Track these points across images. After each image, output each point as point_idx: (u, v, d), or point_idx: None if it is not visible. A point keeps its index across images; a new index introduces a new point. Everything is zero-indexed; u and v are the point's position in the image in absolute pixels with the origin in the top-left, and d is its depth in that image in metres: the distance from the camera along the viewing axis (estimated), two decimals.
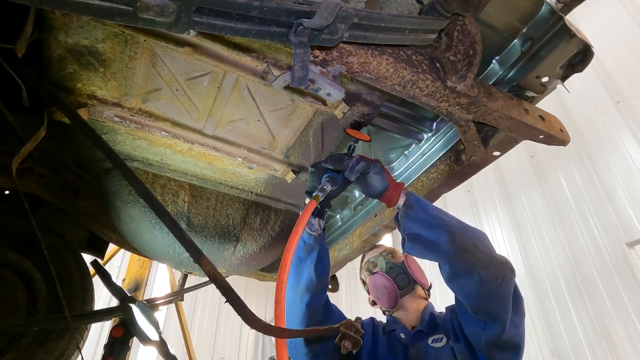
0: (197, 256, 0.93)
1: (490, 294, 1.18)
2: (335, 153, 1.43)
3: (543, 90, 1.28)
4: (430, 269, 2.99)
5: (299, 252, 1.36)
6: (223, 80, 1.38)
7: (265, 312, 9.54)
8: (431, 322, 1.48)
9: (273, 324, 0.90)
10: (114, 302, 2.49)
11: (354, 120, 1.48)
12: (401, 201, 1.26)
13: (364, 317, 1.62)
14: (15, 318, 1.82)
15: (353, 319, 1.60)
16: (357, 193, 2.07)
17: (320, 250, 1.36)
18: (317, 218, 1.38)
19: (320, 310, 1.36)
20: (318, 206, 1.35)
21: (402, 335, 1.47)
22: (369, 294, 1.75)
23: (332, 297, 1.67)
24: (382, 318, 1.72)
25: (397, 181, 1.31)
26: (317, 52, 0.88)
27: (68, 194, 1.90)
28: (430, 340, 1.40)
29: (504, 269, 1.20)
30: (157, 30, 1.16)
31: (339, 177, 1.31)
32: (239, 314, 0.87)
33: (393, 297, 1.61)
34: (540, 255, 5.07)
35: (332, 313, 1.43)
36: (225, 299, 0.90)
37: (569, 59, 1.18)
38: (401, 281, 1.64)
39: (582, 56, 1.18)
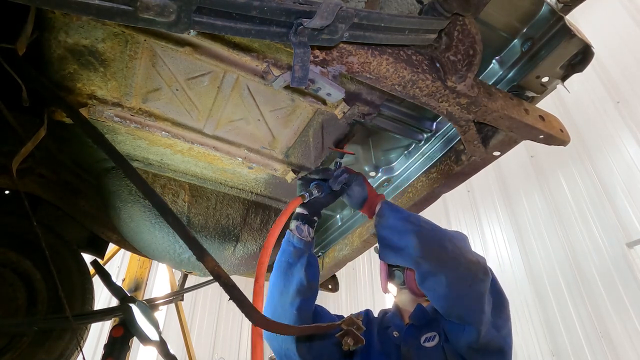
0: (201, 254, 0.93)
1: (459, 296, 1.18)
2: (322, 167, 1.52)
3: (543, 90, 1.28)
4: None
5: (289, 257, 1.37)
6: (223, 80, 1.38)
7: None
8: (419, 315, 1.44)
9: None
10: (114, 302, 2.49)
11: (337, 138, 1.55)
12: (376, 210, 1.31)
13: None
14: (15, 318, 1.82)
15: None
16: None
17: (310, 255, 1.38)
18: (306, 225, 1.41)
19: (310, 316, 1.35)
20: (307, 213, 1.42)
21: (395, 334, 1.45)
22: None
23: (332, 297, 1.67)
24: (381, 308, 1.71)
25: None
26: (317, 52, 0.88)
27: (68, 194, 1.90)
28: (422, 339, 1.37)
29: (475, 270, 1.19)
30: (157, 30, 1.16)
31: (326, 186, 1.39)
32: (242, 311, 0.88)
33: (383, 285, 1.63)
34: (540, 255, 5.07)
35: (321, 319, 1.40)
36: (229, 297, 0.90)
37: (569, 59, 1.18)
38: (396, 276, 1.62)
39: (582, 56, 1.18)
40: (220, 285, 0.89)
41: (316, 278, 1.39)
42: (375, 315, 1.64)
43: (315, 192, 1.36)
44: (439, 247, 1.20)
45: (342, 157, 1.58)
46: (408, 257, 1.21)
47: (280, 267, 1.38)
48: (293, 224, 1.42)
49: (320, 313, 1.43)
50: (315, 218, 1.44)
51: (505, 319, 1.27)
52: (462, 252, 1.22)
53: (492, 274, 1.26)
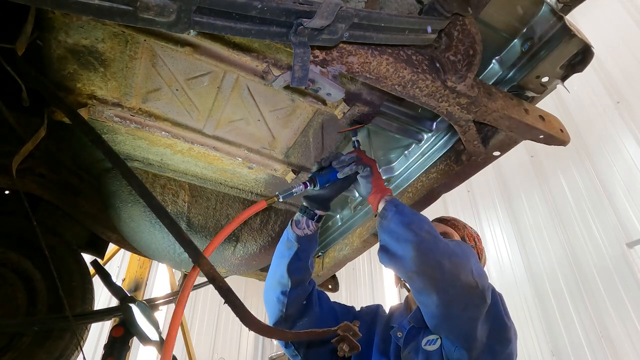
0: (196, 256, 0.93)
1: (450, 318, 1.14)
2: (332, 157, 1.40)
3: (543, 90, 1.28)
4: None
5: (282, 246, 1.38)
6: (223, 80, 1.38)
7: (265, 313, 9.55)
8: (419, 316, 1.41)
9: None
10: (114, 302, 2.50)
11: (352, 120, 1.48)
12: (380, 208, 1.26)
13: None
14: (15, 318, 1.82)
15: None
16: (357, 193, 2.07)
17: (300, 250, 1.35)
18: (304, 217, 1.37)
19: (293, 306, 1.35)
20: (307, 205, 1.38)
21: (399, 334, 1.44)
22: None
23: (332, 297, 1.67)
24: (391, 304, 1.68)
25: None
26: (317, 52, 0.88)
27: (68, 194, 1.90)
28: (424, 342, 1.35)
29: (471, 295, 1.13)
30: (157, 30, 1.16)
31: (323, 179, 1.32)
32: (237, 316, 0.87)
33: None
34: (540, 255, 5.07)
35: (312, 310, 1.39)
36: (224, 300, 0.90)
37: (569, 59, 1.18)
38: None
39: (582, 56, 1.18)
40: (215, 289, 0.89)
41: (300, 273, 1.36)
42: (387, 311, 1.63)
43: (298, 189, 1.26)
44: (436, 264, 1.11)
45: (355, 135, 1.47)
46: (402, 268, 1.16)
47: (276, 254, 1.41)
48: (296, 215, 1.40)
49: (312, 306, 1.42)
50: (317, 212, 1.38)
51: (505, 344, 1.21)
52: (461, 272, 1.13)
53: (495, 297, 1.21)
